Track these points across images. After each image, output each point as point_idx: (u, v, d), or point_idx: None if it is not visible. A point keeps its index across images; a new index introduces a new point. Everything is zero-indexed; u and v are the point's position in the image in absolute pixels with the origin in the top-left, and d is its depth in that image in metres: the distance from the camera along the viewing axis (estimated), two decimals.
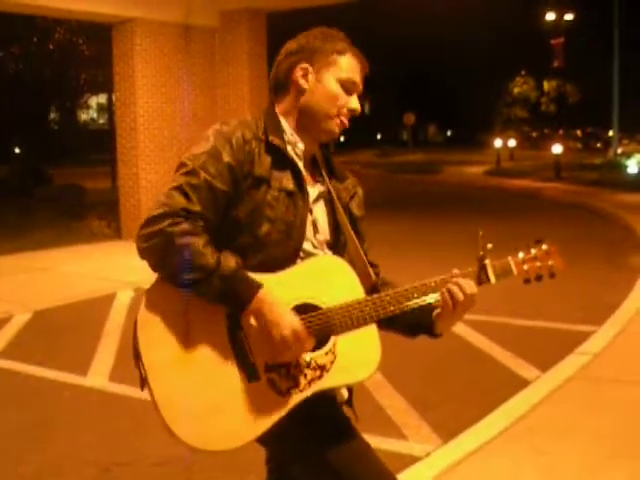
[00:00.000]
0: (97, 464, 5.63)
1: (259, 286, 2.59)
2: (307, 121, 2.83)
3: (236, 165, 2.70)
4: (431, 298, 2.79)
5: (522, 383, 7.07)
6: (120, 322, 9.64)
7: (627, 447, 5.52)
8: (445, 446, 5.69)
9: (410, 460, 5.43)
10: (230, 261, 2.59)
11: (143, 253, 2.64)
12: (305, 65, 2.82)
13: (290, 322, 2.58)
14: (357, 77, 2.85)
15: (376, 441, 5.33)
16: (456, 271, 2.82)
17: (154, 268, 2.65)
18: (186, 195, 2.63)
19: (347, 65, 2.83)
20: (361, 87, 2.88)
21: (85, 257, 14.97)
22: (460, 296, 2.75)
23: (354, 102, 2.85)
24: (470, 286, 2.77)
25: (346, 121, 2.86)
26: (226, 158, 2.69)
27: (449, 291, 2.76)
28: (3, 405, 6.98)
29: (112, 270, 13.06)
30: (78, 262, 14.34)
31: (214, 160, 2.68)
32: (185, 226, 2.58)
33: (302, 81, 2.82)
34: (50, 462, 5.71)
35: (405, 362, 7.26)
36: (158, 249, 2.60)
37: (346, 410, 2.91)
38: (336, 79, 2.81)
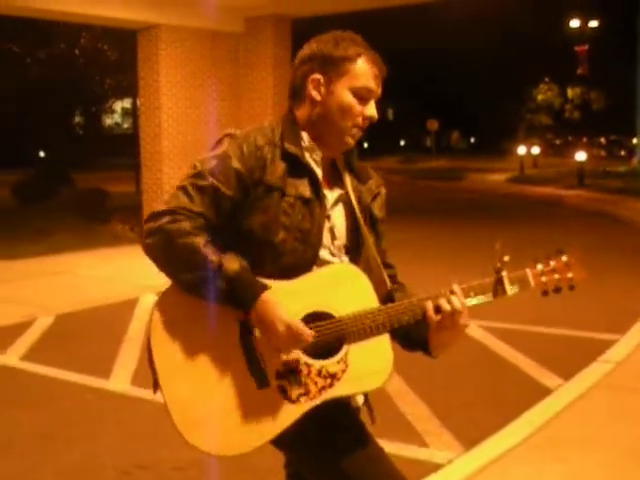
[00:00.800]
0: (117, 467, 5.65)
1: (263, 288, 2.59)
2: (322, 131, 2.81)
3: (245, 172, 2.70)
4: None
5: (544, 391, 7.03)
6: (142, 326, 9.65)
7: None
8: (467, 454, 5.67)
9: (431, 467, 5.42)
10: (234, 263, 2.59)
11: (146, 248, 2.68)
12: (317, 76, 2.78)
13: (282, 317, 2.56)
14: (371, 83, 2.78)
15: (397, 448, 5.34)
16: (455, 286, 2.77)
17: (158, 266, 2.67)
18: (189, 196, 2.66)
19: (361, 72, 2.76)
20: (379, 91, 2.82)
21: (108, 261, 15.02)
22: (447, 307, 2.72)
23: (370, 110, 2.79)
24: (456, 302, 2.73)
25: (361, 132, 2.83)
26: (235, 164, 2.69)
27: (436, 304, 2.74)
28: (25, 407, 7.00)
29: (135, 274, 13.07)
30: (101, 266, 14.40)
31: (223, 165, 2.69)
32: (185, 224, 2.61)
33: (314, 93, 2.79)
34: (70, 465, 5.72)
35: (427, 369, 7.23)
36: (159, 246, 2.63)
37: (362, 414, 2.91)
38: (349, 89, 2.75)
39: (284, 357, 2.61)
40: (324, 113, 2.79)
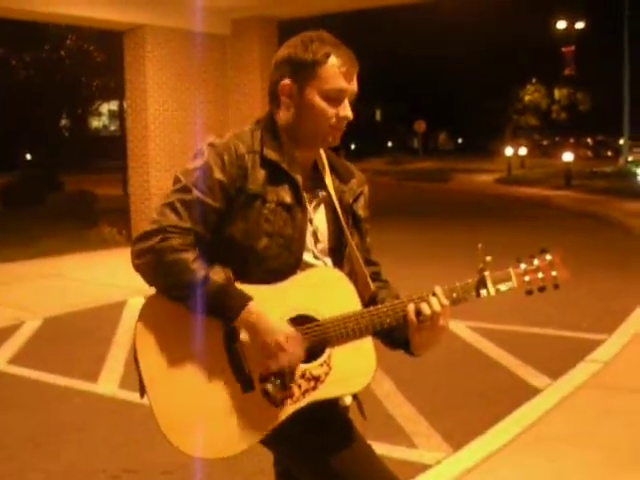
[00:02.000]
0: (106, 471, 5.64)
1: (248, 299, 2.61)
2: (300, 134, 2.81)
3: (227, 182, 2.70)
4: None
5: (532, 391, 7.05)
6: (131, 329, 9.57)
7: (638, 455, 5.50)
8: (455, 454, 5.67)
9: (420, 468, 5.42)
10: (219, 275, 2.62)
11: (137, 268, 2.70)
12: (287, 82, 2.78)
13: (281, 328, 2.62)
14: (342, 83, 2.74)
15: (386, 449, 5.34)
16: (437, 288, 2.78)
17: (148, 283, 2.71)
18: (177, 212, 2.66)
19: (330, 74, 2.73)
20: (354, 88, 2.79)
21: (96, 264, 15.00)
22: (427, 311, 2.73)
23: (343, 110, 2.77)
24: (435, 304, 2.74)
25: (340, 131, 2.82)
26: (217, 175, 2.69)
27: (417, 307, 2.75)
28: (13, 411, 6.99)
29: (123, 277, 13.04)
30: (89, 269, 14.38)
31: (205, 176, 2.69)
32: (175, 242, 2.62)
33: (284, 98, 2.80)
34: (59, 469, 5.71)
35: (415, 370, 7.25)
36: (150, 266, 2.65)
37: (351, 414, 2.91)
38: (319, 93, 2.74)
39: (273, 367, 2.62)
40: (298, 117, 2.79)
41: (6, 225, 19.91)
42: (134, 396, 7.11)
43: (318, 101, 2.75)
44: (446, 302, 2.75)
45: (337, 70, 2.74)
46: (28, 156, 46.79)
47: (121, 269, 13.89)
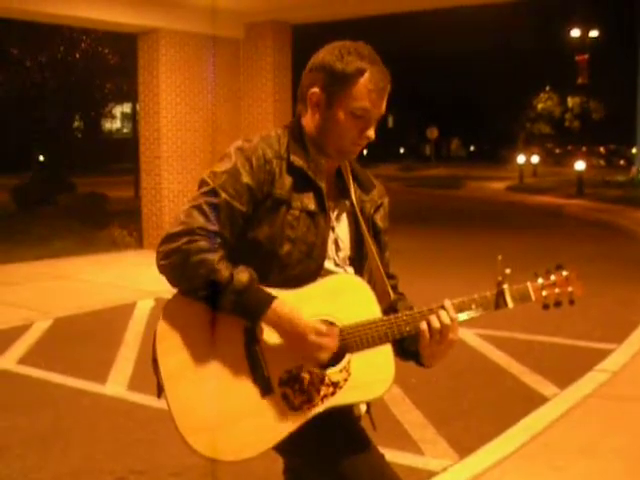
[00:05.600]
0: (114, 472, 5.64)
1: (272, 298, 2.61)
2: (323, 142, 2.81)
3: (255, 186, 2.71)
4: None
5: (540, 400, 7.03)
6: (140, 331, 9.66)
7: None
8: (462, 461, 5.67)
9: (426, 475, 5.42)
10: (243, 275, 2.61)
11: (162, 269, 2.68)
12: (316, 91, 2.77)
13: (310, 326, 2.61)
14: (370, 103, 2.73)
15: (393, 455, 5.33)
16: (447, 302, 2.78)
17: (172, 284, 2.69)
18: (205, 214, 2.66)
19: (359, 92, 2.71)
20: (382, 108, 2.78)
21: (106, 266, 15.03)
22: (436, 325, 2.73)
23: (367, 131, 2.77)
24: (445, 318, 2.74)
25: (361, 147, 2.83)
26: (245, 179, 2.70)
27: (427, 320, 2.75)
28: (21, 412, 7.00)
29: (133, 279, 13.09)
30: (99, 270, 14.41)
31: (234, 180, 2.70)
32: (202, 243, 2.62)
33: (314, 107, 2.80)
34: (67, 470, 5.72)
35: (424, 377, 7.24)
36: (176, 266, 2.64)
37: (363, 421, 2.92)
38: (346, 109, 2.73)
39: (317, 362, 2.64)
40: (322, 128, 2.79)
41: (17, 226, 19.97)
42: (142, 398, 7.14)
43: (343, 117, 2.74)
44: (455, 316, 2.76)
45: (368, 89, 2.72)
46: (41, 157, 46.87)
47: (131, 271, 13.95)
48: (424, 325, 2.74)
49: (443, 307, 2.76)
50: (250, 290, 2.60)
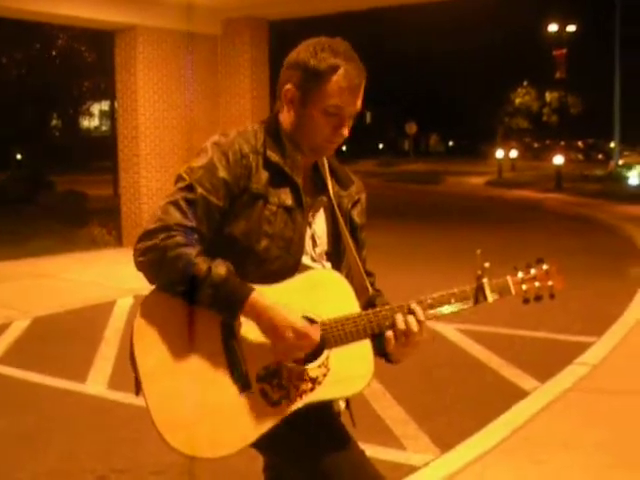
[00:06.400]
0: (94, 471, 5.62)
1: (250, 290, 2.59)
2: (298, 140, 2.80)
3: (232, 180, 2.70)
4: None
5: (521, 394, 7.05)
6: (120, 329, 9.63)
7: (626, 457, 5.51)
8: (443, 456, 5.68)
9: (408, 470, 5.43)
10: (221, 268, 2.59)
11: (139, 266, 2.67)
12: (290, 87, 2.75)
13: (289, 320, 2.58)
14: (343, 100, 2.71)
15: (375, 451, 5.33)
16: (414, 304, 2.76)
17: (150, 280, 2.68)
18: (181, 210, 2.65)
19: (332, 90, 2.69)
20: (357, 105, 2.76)
21: (86, 264, 14.97)
22: (401, 327, 2.71)
23: (340, 128, 2.75)
24: (413, 323, 2.71)
25: (336, 144, 2.81)
26: (222, 173, 2.69)
27: (393, 322, 2.73)
28: (1, 411, 6.97)
29: (112, 277, 13.04)
30: (79, 269, 14.34)
31: (210, 175, 2.69)
32: (179, 239, 2.60)
33: (289, 104, 2.79)
34: (47, 469, 5.70)
35: (404, 372, 7.23)
36: (153, 263, 2.62)
37: (343, 417, 2.91)
38: (320, 106, 2.71)
39: (291, 358, 2.63)
40: (297, 124, 2.79)
41: None
42: (122, 396, 7.11)
43: (316, 115, 2.73)
44: (423, 318, 2.73)
45: (341, 86, 2.70)
46: (18, 156, 46.70)
47: (110, 269, 13.89)
48: (390, 333, 2.72)
49: (410, 310, 2.74)
50: (228, 283, 2.58)
